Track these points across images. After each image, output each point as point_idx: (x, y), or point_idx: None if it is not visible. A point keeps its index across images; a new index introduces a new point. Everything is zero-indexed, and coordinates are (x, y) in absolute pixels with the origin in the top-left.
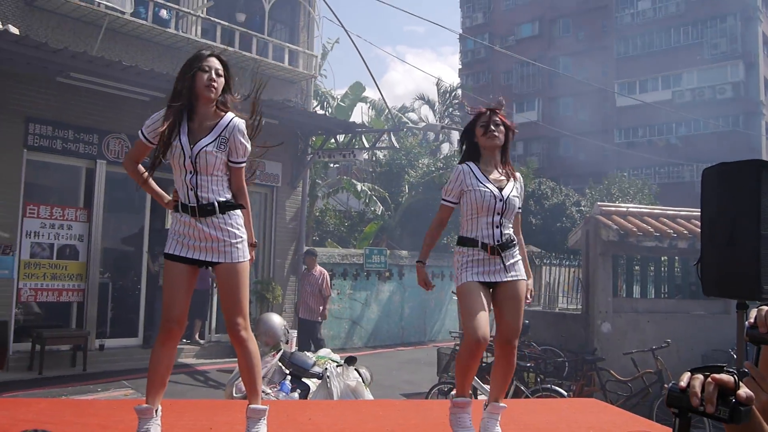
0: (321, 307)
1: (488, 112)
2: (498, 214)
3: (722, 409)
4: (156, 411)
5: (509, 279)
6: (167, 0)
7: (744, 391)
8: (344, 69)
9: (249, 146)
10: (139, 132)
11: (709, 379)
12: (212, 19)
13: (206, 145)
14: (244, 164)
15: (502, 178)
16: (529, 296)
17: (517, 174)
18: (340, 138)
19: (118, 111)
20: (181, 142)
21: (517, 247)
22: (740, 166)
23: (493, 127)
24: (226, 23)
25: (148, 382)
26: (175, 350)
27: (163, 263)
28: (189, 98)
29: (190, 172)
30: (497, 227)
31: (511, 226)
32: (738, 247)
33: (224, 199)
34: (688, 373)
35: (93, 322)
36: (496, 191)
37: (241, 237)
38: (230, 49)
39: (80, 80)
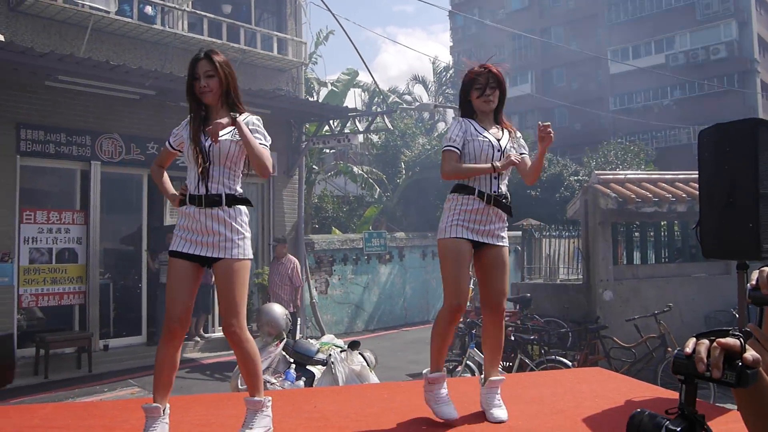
0: (293, 297)
1: (486, 73)
2: None
3: (729, 374)
4: (164, 410)
5: (500, 244)
6: None
7: (750, 354)
8: (338, 54)
9: (268, 136)
10: (167, 141)
11: (715, 344)
12: (198, 12)
13: (221, 136)
14: (267, 145)
15: (498, 131)
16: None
17: (514, 129)
18: (334, 124)
19: (109, 111)
20: (198, 142)
21: (509, 210)
22: (736, 126)
23: (488, 92)
24: (213, 15)
25: (155, 381)
26: (179, 349)
27: (167, 261)
28: (198, 105)
29: (206, 164)
30: (495, 178)
31: (507, 182)
32: (737, 208)
33: (233, 193)
34: (694, 339)
35: (96, 323)
36: (494, 141)
37: (244, 234)
38: (218, 41)
39: (69, 83)
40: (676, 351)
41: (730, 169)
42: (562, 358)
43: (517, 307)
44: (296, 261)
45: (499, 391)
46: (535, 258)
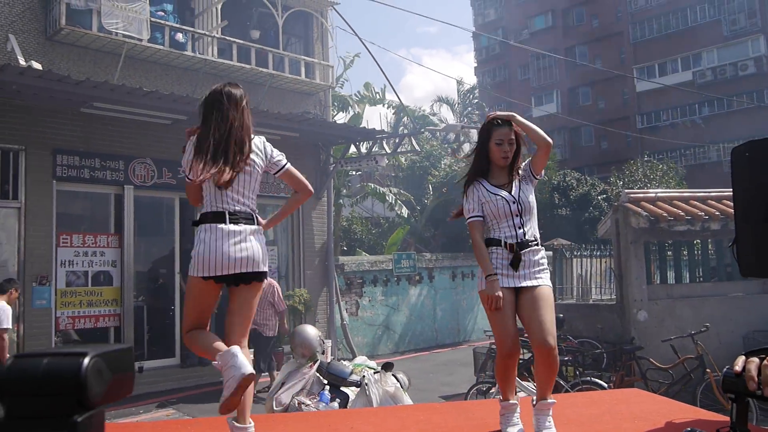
0: (275, 322)
1: (508, 128)
2: (517, 215)
3: None
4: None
5: (534, 284)
6: (182, 23)
7: None
8: (365, 76)
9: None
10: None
11: (766, 362)
12: (227, 38)
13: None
14: (286, 164)
15: (507, 182)
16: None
17: (519, 169)
18: (362, 145)
19: (142, 136)
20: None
21: (542, 251)
22: None
23: (507, 147)
24: (241, 41)
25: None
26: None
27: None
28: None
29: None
30: (519, 228)
31: (533, 224)
32: None
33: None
34: (743, 357)
35: (131, 345)
36: (507, 195)
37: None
38: (247, 66)
39: (103, 109)
40: (725, 369)
41: (765, 185)
42: (597, 380)
43: None
44: (276, 285)
45: (550, 413)
46: (567, 278)
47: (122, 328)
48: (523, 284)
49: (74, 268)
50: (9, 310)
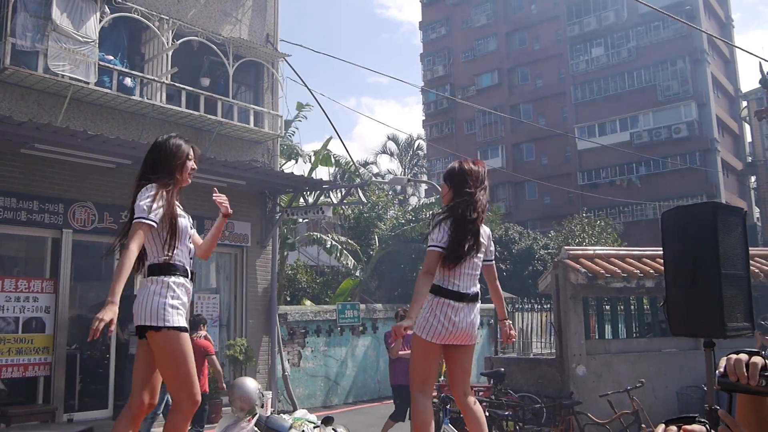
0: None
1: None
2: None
3: None
4: None
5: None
6: (132, 68)
7: None
8: (317, 124)
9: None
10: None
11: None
12: (176, 84)
13: (188, 221)
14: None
15: None
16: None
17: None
18: (308, 195)
19: (84, 179)
20: (181, 221)
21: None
22: (696, 209)
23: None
24: (191, 88)
25: None
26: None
27: (175, 336)
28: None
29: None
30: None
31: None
32: (701, 287)
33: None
34: (663, 426)
35: (61, 395)
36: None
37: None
38: (195, 113)
39: (45, 151)
40: (718, 373)
41: (692, 249)
42: None
43: (491, 382)
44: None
45: None
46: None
47: (53, 378)
48: None
49: (4, 314)
50: None
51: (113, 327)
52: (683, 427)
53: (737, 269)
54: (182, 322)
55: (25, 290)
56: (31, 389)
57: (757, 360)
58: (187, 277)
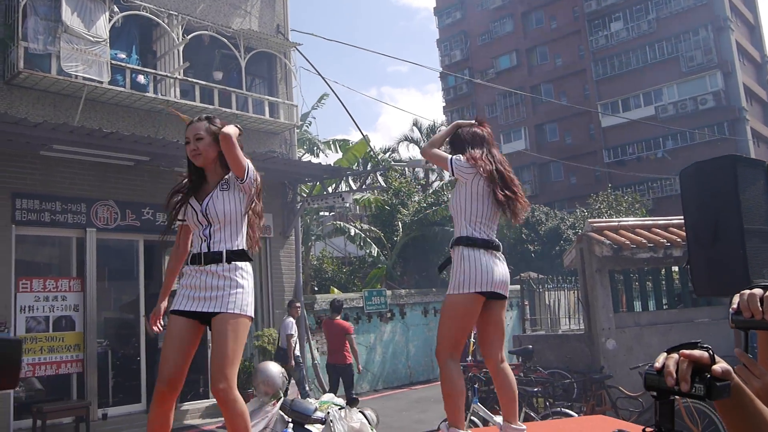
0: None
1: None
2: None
3: (698, 387)
4: None
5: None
6: (144, 65)
7: (720, 366)
8: (338, 116)
9: (258, 179)
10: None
11: (682, 357)
12: (189, 79)
13: (212, 195)
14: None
15: None
16: None
17: None
18: (330, 186)
19: (104, 178)
20: (191, 204)
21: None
22: (715, 164)
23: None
24: (204, 82)
25: None
26: (171, 410)
27: (165, 326)
28: (193, 170)
29: (204, 225)
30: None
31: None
32: (723, 244)
33: (233, 249)
34: (664, 354)
35: (94, 391)
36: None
37: (242, 287)
38: (210, 107)
39: (63, 151)
40: (647, 367)
41: (713, 206)
42: (567, 410)
43: (520, 360)
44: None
45: None
46: (538, 310)
47: (85, 374)
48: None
49: (34, 314)
50: None
51: None
52: (681, 351)
53: (761, 224)
54: (175, 304)
55: (53, 290)
56: (64, 386)
57: None
58: (193, 263)
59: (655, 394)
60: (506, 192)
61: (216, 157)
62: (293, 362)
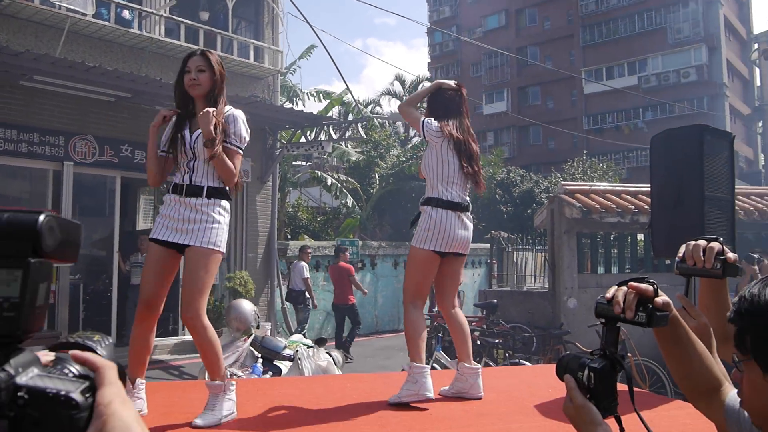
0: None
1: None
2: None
3: (640, 315)
4: (135, 382)
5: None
6: (129, 0)
7: (661, 298)
8: (322, 66)
9: (246, 136)
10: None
11: (629, 288)
12: (175, 18)
13: (200, 130)
14: (238, 150)
15: None
16: None
17: None
18: (310, 134)
19: (84, 113)
20: (182, 134)
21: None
22: (684, 132)
23: None
24: (190, 22)
25: (128, 359)
26: (152, 330)
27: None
28: (185, 100)
29: (190, 158)
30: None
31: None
32: (685, 208)
33: (214, 185)
34: (615, 286)
35: (65, 323)
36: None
37: (218, 223)
38: (194, 47)
39: (44, 83)
40: (598, 297)
41: (678, 172)
42: (525, 362)
43: (484, 313)
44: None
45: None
46: (504, 267)
47: (56, 306)
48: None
49: None
50: None
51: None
52: (629, 283)
53: (721, 192)
54: (154, 232)
55: None
56: None
57: (714, 245)
58: (174, 192)
59: (603, 320)
60: (469, 168)
61: (209, 92)
62: (311, 303)
